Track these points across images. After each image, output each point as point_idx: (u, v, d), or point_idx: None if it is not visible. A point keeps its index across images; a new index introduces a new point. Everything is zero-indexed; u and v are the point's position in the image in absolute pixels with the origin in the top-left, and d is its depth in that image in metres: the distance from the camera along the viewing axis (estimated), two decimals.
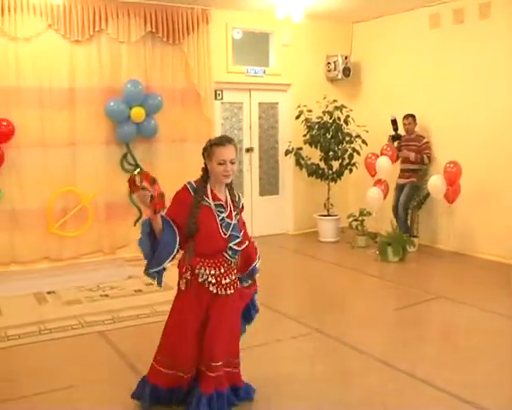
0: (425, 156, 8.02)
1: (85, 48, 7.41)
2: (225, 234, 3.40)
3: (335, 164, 8.87)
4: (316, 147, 8.74)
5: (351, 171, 8.87)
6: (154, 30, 7.75)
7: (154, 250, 3.35)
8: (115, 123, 7.57)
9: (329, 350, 4.63)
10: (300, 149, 8.85)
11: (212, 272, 3.40)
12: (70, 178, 7.46)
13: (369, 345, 4.74)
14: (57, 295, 6.16)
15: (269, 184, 9.39)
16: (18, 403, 3.84)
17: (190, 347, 3.46)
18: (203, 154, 3.42)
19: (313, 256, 8.03)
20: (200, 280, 3.40)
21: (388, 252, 7.52)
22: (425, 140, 8.10)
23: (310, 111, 8.70)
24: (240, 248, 3.50)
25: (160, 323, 5.44)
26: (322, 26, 9.20)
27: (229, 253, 3.45)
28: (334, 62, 9.25)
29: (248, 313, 3.74)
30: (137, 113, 7.50)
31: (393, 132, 8.36)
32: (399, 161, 8.27)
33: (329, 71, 9.36)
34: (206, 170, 3.44)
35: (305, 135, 8.79)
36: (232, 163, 3.36)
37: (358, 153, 8.64)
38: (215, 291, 3.41)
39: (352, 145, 8.69)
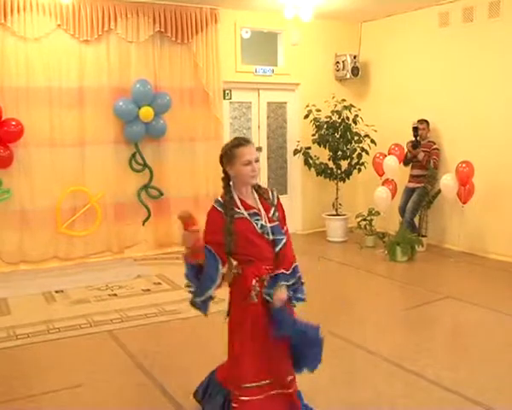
0: (431, 161, 7.96)
1: (94, 48, 7.44)
2: (268, 239, 3.16)
3: (344, 164, 8.85)
4: (324, 146, 8.73)
5: (359, 170, 8.85)
6: (162, 30, 7.77)
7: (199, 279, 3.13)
8: (124, 123, 7.59)
9: (337, 350, 4.61)
10: (309, 148, 8.84)
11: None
12: (79, 177, 7.49)
13: (377, 345, 4.73)
14: (66, 295, 6.18)
15: (277, 184, 9.35)
16: (26, 402, 3.86)
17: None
18: (221, 161, 3.18)
19: (322, 256, 8.00)
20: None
21: (397, 252, 7.49)
22: (435, 146, 8.02)
23: (318, 110, 8.69)
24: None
25: (168, 322, 5.45)
26: (330, 26, 9.18)
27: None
28: (343, 62, 9.22)
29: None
30: (146, 112, 7.51)
31: (414, 139, 8.04)
32: (410, 166, 8.19)
33: (338, 70, 9.33)
34: (227, 179, 3.21)
35: (313, 134, 8.78)
36: (257, 161, 3.18)
37: (367, 152, 8.64)
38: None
39: (361, 145, 8.68)
